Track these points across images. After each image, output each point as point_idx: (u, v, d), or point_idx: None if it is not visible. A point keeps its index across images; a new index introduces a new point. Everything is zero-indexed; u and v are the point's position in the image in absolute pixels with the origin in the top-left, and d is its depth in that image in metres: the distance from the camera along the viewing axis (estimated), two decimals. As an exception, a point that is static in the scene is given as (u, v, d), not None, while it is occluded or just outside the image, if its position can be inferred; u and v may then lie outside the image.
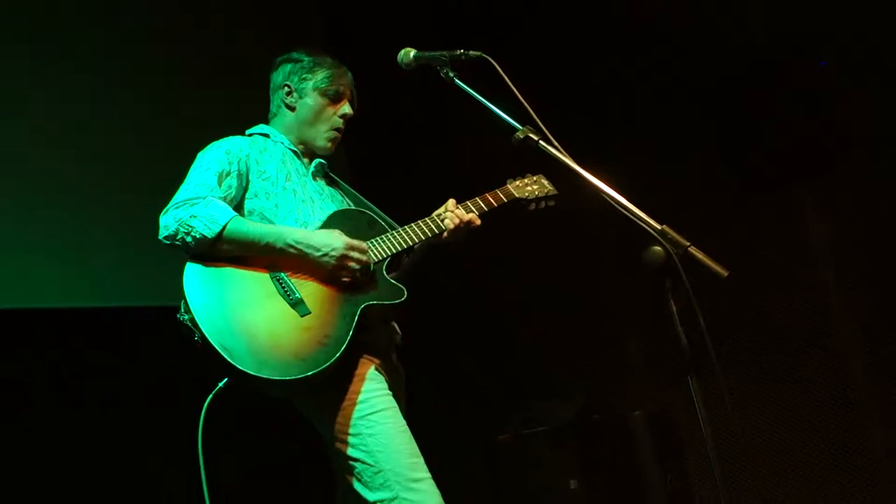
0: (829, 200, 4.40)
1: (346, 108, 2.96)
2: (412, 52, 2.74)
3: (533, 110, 2.45)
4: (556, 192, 3.10)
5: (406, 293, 2.71)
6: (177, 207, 2.58)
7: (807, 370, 4.45)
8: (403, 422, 2.61)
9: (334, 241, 2.62)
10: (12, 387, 3.79)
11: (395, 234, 2.81)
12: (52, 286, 4.03)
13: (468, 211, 2.91)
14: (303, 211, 2.80)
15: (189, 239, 2.54)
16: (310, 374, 2.45)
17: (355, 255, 2.63)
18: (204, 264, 2.57)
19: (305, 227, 2.75)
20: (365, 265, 2.65)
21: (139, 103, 4.44)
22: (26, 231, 4.02)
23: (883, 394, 4.27)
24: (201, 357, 2.44)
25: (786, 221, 4.53)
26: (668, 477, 4.20)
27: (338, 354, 2.50)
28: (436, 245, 2.87)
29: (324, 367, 2.47)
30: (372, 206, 2.99)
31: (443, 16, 4.99)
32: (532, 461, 4.30)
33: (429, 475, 2.54)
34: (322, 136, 2.94)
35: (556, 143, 2.41)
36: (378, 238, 2.78)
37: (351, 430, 2.55)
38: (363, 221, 2.85)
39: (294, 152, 2.95)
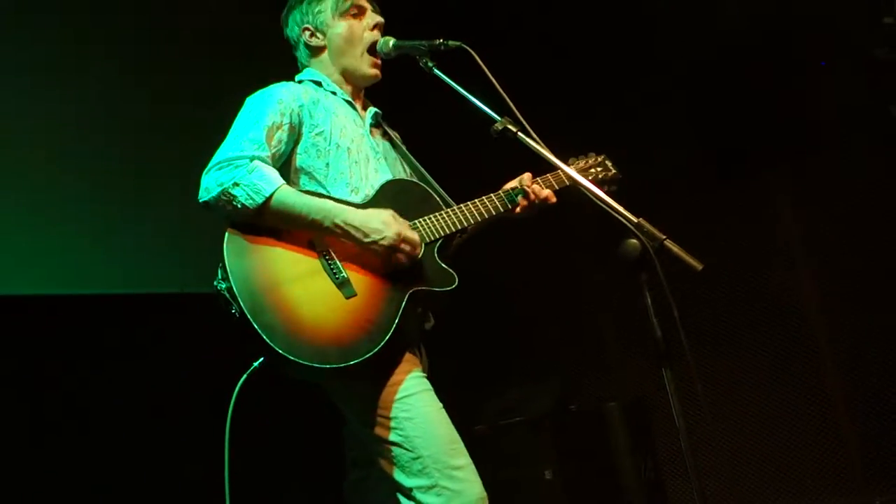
0: (799, 189, 4.46)
1: (372, 18, 2.79)
2: (391, 41, 2.72)
3: (512, 101, 2.45)
4: (619, 175, 2.94)
5: (457, 280, 2.55)
6: (219, 168, 2.40)
7: (778, 358, 4.51)
8: (440, 405, 2.48)
9: (386, 229, 2.44)
10: (35, 371, 3.77)
11: (451, 213, 2.63)
12: (75, 272, 4.00)
13: (546, 185, 2.77)
14: (355, 173, 2.63)
15: (230, 208, 2.38)
16: (351, 363, 2.31)
17: (406, 248, 2.46)
18: (245, 232, 2.41)
19: (357, 193, 2.60)
20: (414, 259, 2.48)
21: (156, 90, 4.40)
22: (44, 216, 3.97)
23: (853, 383, 4.33)
24: (237, 330, 2.30)
25: (758, 209, 4.58)
26: (642, 467, 4.24)
27: (382, 343, 2.35)
28: (503, 218, 2.75)
29: (365, 357, 2.33)
30: (422, 169, 2.83)
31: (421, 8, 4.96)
32: (508, 451, 4.31)
33: (469, 460, 2.41)
34: (362, 62, 2.75)
35: (534, 135, 2.41)
36: (432, 216, 2.60)
37: (386, 414, 2.41)
38: (417, 195, 2.67)
39: (349, 103, 2.77)
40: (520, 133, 2.42)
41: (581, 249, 4.91)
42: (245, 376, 2.40)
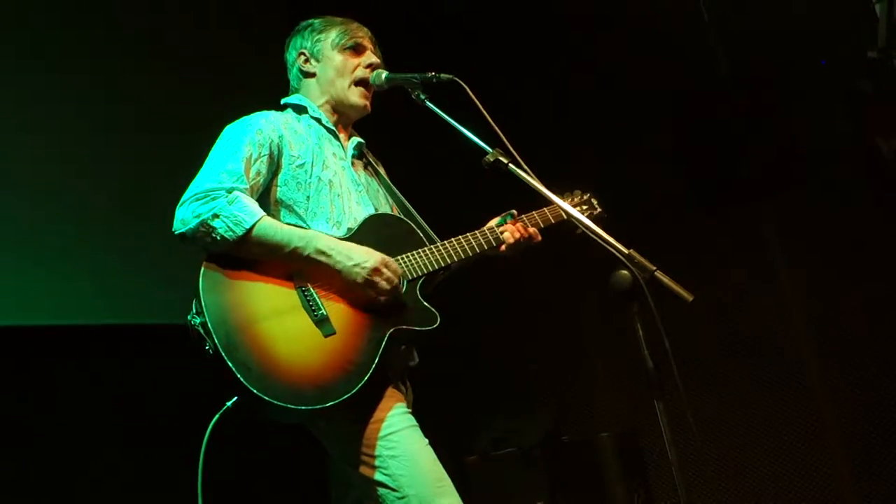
0: (787, 217, 4.50)
1: (369, 58, 2.74)
2: (384, 74, 2.72)
3: (503, 133, 2.46)
4: (604, 214, 2.91)
5: (439, 318, 2.48)
6: (196, 199, 2.35)
7: (770, 387, 4.51)
8: (426, 441, 2.41)
9: (370, 257, 2.40)
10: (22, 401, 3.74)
11: (434, 250, 2.58)
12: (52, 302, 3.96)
13: (532, 223, 2.76)
14: (336, 207, 2.58)
15: (208, 240, 2.33)
16: (327, 405, 2.24)
17: (387, 273, 2.40)
18: (222, 264, 2.34)
19: (339, 227, 2.55)
20: (395, 288, 2.42)
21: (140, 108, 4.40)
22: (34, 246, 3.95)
23: (843, 410, 4.34)
24: (212, 367, 2.23)
25: (745, 238, 4.61)
26: (635, 498, 4.22)
27: (360, 385, 2.29)
28: (487, 257, 2.70)
29: (342, 398, 2.26)
30: (406, 203, 2.79)
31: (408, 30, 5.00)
32: (500, 482, 4.29)
33: (457, 499, 2.34)
34: (351, 92, 2.72)
35: (525, 167, 2.43)
36: (414, 253, 2.55)
37: (371, 453, 2.35)
38: (400, 230, 2.62)
39: (332, 132, 2.73)
40: (511, 164, 2.42)
41: (573, 280, 4.92)
42: (217, 416, 2.34)
